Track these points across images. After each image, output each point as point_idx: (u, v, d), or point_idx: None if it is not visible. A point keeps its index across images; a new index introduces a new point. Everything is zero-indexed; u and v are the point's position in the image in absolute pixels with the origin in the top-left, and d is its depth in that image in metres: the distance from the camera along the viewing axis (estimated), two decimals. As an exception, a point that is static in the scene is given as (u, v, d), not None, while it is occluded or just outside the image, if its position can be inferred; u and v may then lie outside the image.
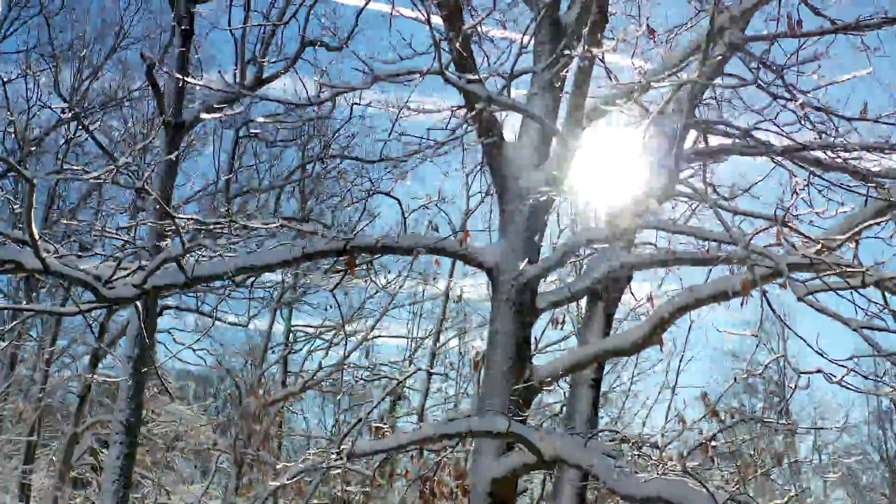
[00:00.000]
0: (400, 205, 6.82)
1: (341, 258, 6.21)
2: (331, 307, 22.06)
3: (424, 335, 20.29)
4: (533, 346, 7.29)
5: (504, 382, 6.64)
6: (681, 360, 12.71)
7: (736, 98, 10.30)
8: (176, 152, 15.24)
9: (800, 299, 4.35)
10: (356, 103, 15.91)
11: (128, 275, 5.26)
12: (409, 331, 20.45)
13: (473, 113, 6.65)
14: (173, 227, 5.21)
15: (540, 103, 7.34)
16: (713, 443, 10.62)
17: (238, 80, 16.14)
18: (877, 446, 35.38)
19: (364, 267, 6.93)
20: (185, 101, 16.83)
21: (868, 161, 8.94)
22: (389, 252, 6.60)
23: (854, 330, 4.21)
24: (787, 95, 9.28)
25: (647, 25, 6.22)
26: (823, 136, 9.66)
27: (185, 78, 15.88)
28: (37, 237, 4.61)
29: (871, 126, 9.97)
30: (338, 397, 20.36)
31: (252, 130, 18.09)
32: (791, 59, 8.83)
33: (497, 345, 6.78)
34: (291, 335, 21.24)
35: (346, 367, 17.93)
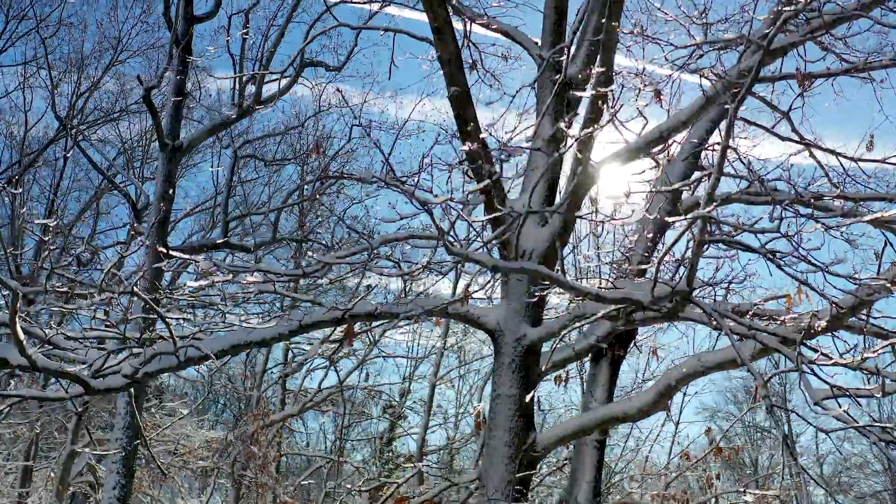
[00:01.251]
0: (400, 268, 6.66)
1: (340, 327, 6.06)
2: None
3: (424, 354, 20.16)
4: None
5: (507, 450, 6.49)
6: (684, 395, 12.55)
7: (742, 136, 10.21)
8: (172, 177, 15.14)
9: (816, 403, 4.20)
10: (355, 125, 15.61)
11: (118, 363, 5.12)
12: (409, 349, 20.31)
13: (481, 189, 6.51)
14: (164, 316, 5.05)
15: (543, 158, 7.19)
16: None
17: (237, 101, 16.00)
18: (878, 454, 35.22)
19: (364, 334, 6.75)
20: (184, 120, 16.77)
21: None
22: (389, 318, 6.44)
23: (874, 443, 4.06)
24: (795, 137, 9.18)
25: (655, 90, 6.06)
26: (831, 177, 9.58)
27: (183, 100, 15.81)
28: (22, 338, 4.48)
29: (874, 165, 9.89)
30: (337, 416, 20.19)
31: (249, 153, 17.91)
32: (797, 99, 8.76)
33: (500, 410, 6.62)
34: (290, 353, 21.09)
35: (345, 388, 17.76)
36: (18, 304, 4.14)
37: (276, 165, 20.15)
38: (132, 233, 17.77)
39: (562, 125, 6.88)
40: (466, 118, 6.98)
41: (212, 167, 28.52)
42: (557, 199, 7.32)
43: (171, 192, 15.27)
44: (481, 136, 6.54)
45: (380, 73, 19.05)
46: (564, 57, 6.92)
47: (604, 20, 6.26)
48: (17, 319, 4.21)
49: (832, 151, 9.04)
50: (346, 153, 19.40)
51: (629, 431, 15.84)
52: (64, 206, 24.86)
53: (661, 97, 6.11)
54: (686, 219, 4.25)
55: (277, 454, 19.38)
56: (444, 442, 21.86)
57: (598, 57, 6.40)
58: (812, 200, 8.53)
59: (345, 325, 6.01)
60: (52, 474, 21.42)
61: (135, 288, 4.86)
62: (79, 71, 21.98)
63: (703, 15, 11.03)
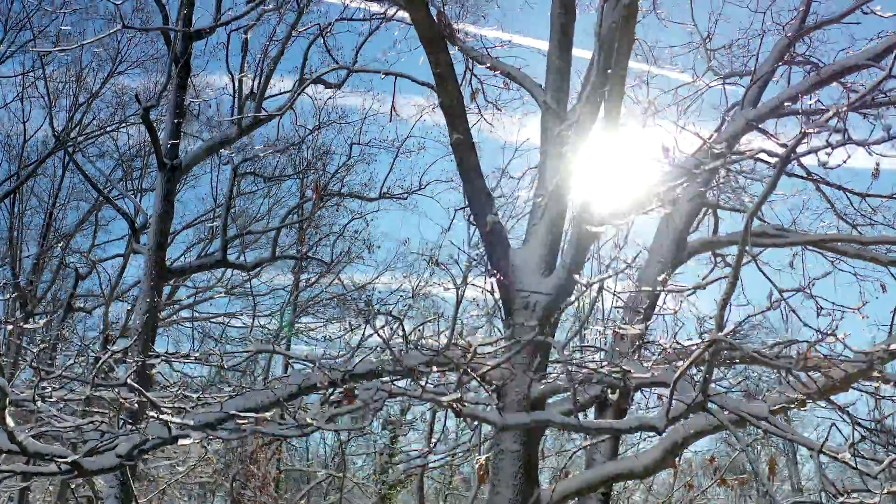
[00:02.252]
0: (401, 323, 6.52)
1: (339, 389, 5.92)
2: (330, 339, 21.84)
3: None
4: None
5: (510, 508, 6.37)
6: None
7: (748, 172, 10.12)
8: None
9: (835, 495, 4.08)
10: (355, 143, 15.36)
11: (111, 440, 4.98)
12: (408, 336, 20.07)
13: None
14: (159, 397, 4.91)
15: (546, 203, 7.05)
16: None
17: (236, 117, 15.85)
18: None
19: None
20: (183, 131, 16.63)
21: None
22: (390, 374, 6.30)
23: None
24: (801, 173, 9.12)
25: (662, 145, 5.92)
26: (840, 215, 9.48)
27: (181, 119, 15.66)
28: (11, 428, 4.36)
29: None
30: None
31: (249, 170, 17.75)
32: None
33: (503, 465, 6.48)
34: (290, 368, 20.91)
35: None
36: (7, 401, 4.04)
37: (276, 181, 20.02)
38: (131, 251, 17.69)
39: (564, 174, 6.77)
40: (468, 166, 6.86)
41: (211, 181, 28.32)
42: (561, 248, 7.19)
43: (169, 211, 15.15)
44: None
45: (380, 91, 18.86)
46: (569, 109, 6.79)
47: (609, 70, 6.15)
48: (5, 415, 4.11)
49: (839, 187, 8.93)
50: (344, 167, 19.29)
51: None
52: (63, 217, 24.70)
53: (669, 153, 5.96)
54: (703, 343, 4.12)
55: (277, 471, 19.25)
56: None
57: (604, 109, 6.28)
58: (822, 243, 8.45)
59: (345, 387, 5.88)
60: (51, 488, 21.29)
61: (128, 380, 4.73)
62: (77, 83, 21.82)
63: (708, 40, 10.94)
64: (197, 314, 22.85)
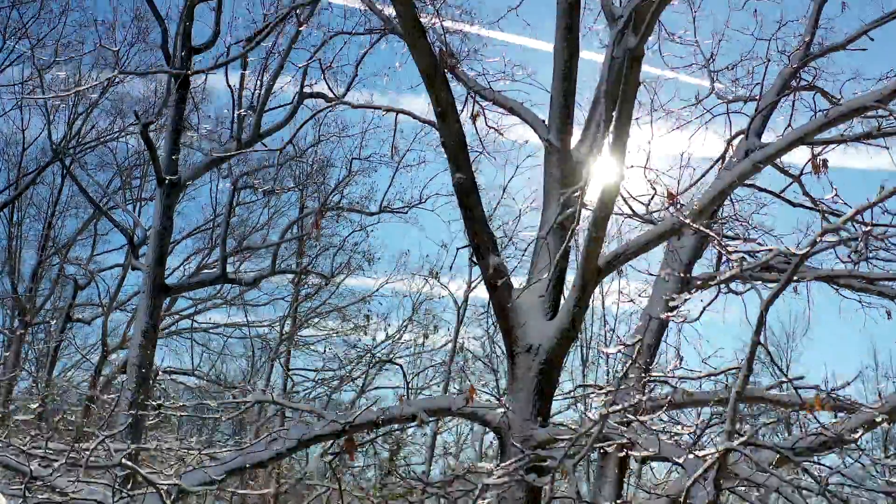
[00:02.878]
0: (403, 371, 6.46)
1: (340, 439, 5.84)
2: (330, 347, 21.77)
3: (425, 385, 19.93)
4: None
5: (512, 555, 6.28)
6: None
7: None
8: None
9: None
10: (355, 157, 15.27)
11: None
12: (409, 381, 20.05)
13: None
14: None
15: (549, 244, 6.96)
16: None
17: (235, 133, 15.76)
18: (881, 471, 35.09)
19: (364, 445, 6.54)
20: (182, 143, 16.52)
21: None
22: (392, 423, 6.22)
23: None
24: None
25: (668, 191, 5.84)
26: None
27: (180, 133, 15.57)
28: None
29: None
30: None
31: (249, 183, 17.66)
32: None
33: (505, 512, 6.40)
34: (290, 380, 20.86)
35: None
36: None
37: (276, 194, 19.94)
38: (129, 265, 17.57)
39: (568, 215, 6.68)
40: (470, 205, 6.77)
41: (210, 190, 28.16)
42: (566, 286, 7.10)
43: (168, 227, 15.07)
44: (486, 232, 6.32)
45: (378, 103, 18.79)
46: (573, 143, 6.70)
47: (614, 114, 6.05)
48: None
49: (839, 214, 8.85)
50: (345, 181, 19.22)
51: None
52: (62, 226, 24.54)
53: (675, 198, 5.88)
54: (717, 452, 4.02)
55: (277, 485, 19.16)
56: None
57: (609, 150, 6.19)
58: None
59: (346, 439, 5.80)
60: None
61: (123, 460, 4.64)
62: (75, 95, 21.68)
63: (711, 61, 10.84)
64: (196, 324, 22.76)
